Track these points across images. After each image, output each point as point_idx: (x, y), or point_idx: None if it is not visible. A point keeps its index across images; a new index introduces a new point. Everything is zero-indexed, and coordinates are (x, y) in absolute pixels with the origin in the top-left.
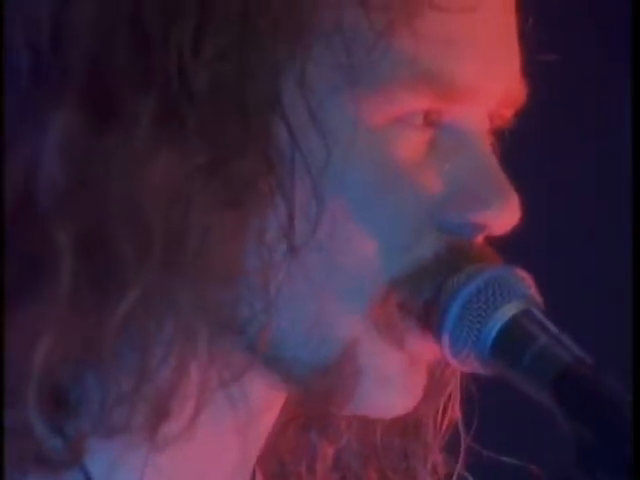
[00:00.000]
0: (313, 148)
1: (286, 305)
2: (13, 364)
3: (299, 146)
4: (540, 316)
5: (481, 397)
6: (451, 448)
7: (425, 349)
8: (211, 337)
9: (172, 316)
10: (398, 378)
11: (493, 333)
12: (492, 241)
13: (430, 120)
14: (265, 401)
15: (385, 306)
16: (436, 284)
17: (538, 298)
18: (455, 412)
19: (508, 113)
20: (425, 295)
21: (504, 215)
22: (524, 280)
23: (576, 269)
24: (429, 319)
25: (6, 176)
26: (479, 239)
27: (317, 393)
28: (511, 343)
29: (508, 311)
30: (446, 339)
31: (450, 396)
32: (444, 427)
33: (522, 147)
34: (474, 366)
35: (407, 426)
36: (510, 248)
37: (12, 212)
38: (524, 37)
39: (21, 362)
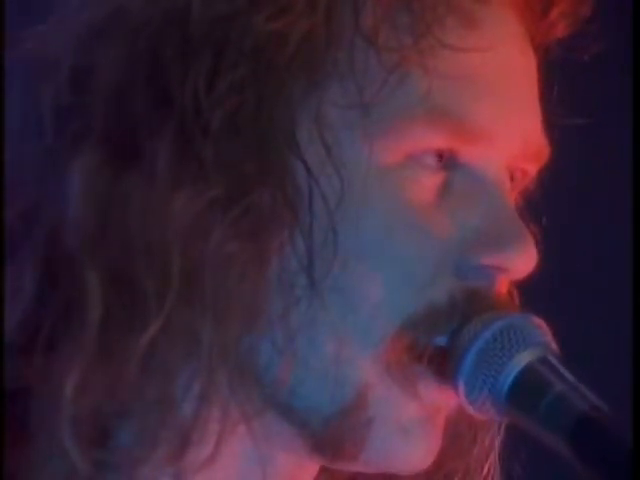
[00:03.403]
0: (329, 184)
1: (305, 348)
2: (46, 401)
3: (316, 181)
4: (556, 363)
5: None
6: None
7: (441, 398)
8: (231, 376)
9: (194, 351)
10: (415, 428)
11: (509, 380)
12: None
13: (444, 161)
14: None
15: (395, 348)
16: (449, 330)
17: (554, 345)
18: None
19: (531, 169)
20: (438, 340)
21: (520, 258)
22: (540, 327)
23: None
24: (443, 366)
25: (38, 223)
26: (500, 286)
27: (328, 443)
28: (527, 390)
29: (524, 358)
30: (462, 386)
31: (479, 455)
32: None
33: None
34: (490, 413)
35: None
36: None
37: (43, 256)
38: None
39: (52, 399)
